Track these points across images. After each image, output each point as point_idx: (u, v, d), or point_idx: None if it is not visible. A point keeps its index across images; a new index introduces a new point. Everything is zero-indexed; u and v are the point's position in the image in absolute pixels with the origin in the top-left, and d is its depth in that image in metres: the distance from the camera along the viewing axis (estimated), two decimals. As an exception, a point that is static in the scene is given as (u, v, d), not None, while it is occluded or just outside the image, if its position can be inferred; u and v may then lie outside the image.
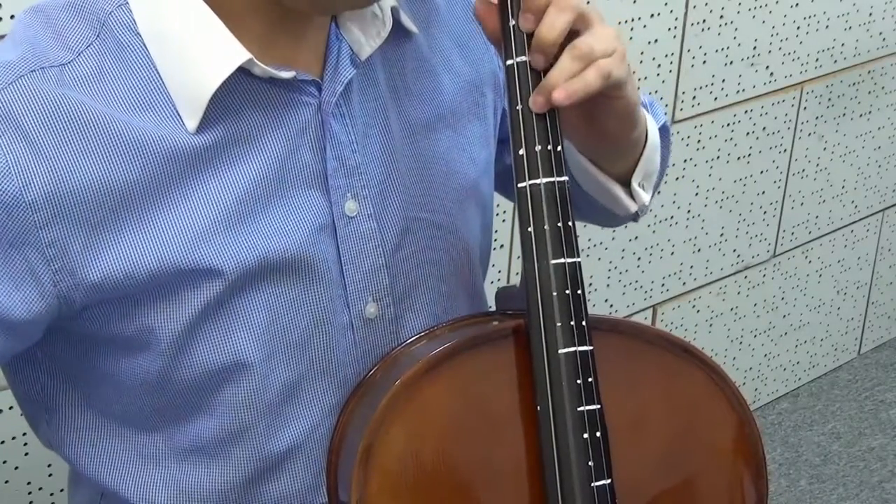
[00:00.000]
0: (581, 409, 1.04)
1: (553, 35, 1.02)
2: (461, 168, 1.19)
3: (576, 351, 1.04)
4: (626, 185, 1.21)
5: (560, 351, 1.03)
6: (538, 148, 1.04)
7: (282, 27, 1.05)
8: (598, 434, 1.05)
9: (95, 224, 1.00)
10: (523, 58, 1.04)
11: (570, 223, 1.04)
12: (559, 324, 1.03)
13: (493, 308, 1.16)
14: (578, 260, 1.05)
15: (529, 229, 1.04)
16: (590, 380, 1.04)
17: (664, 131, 1.29)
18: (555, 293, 1.03)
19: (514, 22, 1.04)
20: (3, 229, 0.98)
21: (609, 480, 1.05)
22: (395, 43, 1.13)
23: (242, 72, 1.03)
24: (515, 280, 2.21)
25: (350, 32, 1.10)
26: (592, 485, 1.05)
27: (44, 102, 0.99)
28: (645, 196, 1.21)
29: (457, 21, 1.20)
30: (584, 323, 1.04)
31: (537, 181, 1.04)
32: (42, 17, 1.04)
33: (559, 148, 1.04)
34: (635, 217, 1.27)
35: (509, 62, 1.04)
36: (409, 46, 1.15)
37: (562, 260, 1.04)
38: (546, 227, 1.04)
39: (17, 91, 0.99)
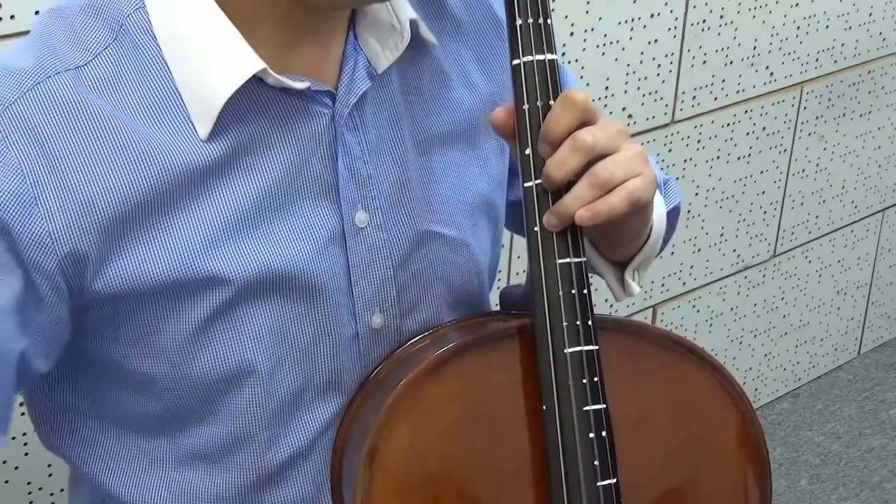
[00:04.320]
0: (587, 408, 1.04)
1: (560, 175, 1.01)
2: (475, 182, 1.18)
3: (582, 350, 1.04)
4: (619, 265, 1.17)
5: (566, 350, 1.03)
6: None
7: (294, 34, 1.05)
8: (603, 433, 1.05)
9: (108, 232, 1.00)
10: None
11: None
12: (565, 323, 1.03)
13: (497, 308, 1.16)
14: (584, 259, 1.04)
15: (536, 229, 1.03)
16: (595, 379, 1.04)
17: (674, 213, 1.27)
18: (561, 293, 1.03)
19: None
20: (20, 240, 0.97)
21: (614, 480, 1.05)
22: (413, 55, 1.12)
23: (256, 80, 1.02)
24: (515, 280, 2.21)
25: (368, 45, 1.09)
26: (598, 484, 1.05)
27: (61, 109, 0.99)
28: (636, 288, 1.17)
29: (480, 37, 1.18)
30: (590, 322, 1.04)
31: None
32: (59, 19, 1.03)
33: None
34: None
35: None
36: (427, 59, 1.14)
37: (568, 259, 1.04)
38: (552, 226, 1.03)
39: (34, 100, 0.98)
